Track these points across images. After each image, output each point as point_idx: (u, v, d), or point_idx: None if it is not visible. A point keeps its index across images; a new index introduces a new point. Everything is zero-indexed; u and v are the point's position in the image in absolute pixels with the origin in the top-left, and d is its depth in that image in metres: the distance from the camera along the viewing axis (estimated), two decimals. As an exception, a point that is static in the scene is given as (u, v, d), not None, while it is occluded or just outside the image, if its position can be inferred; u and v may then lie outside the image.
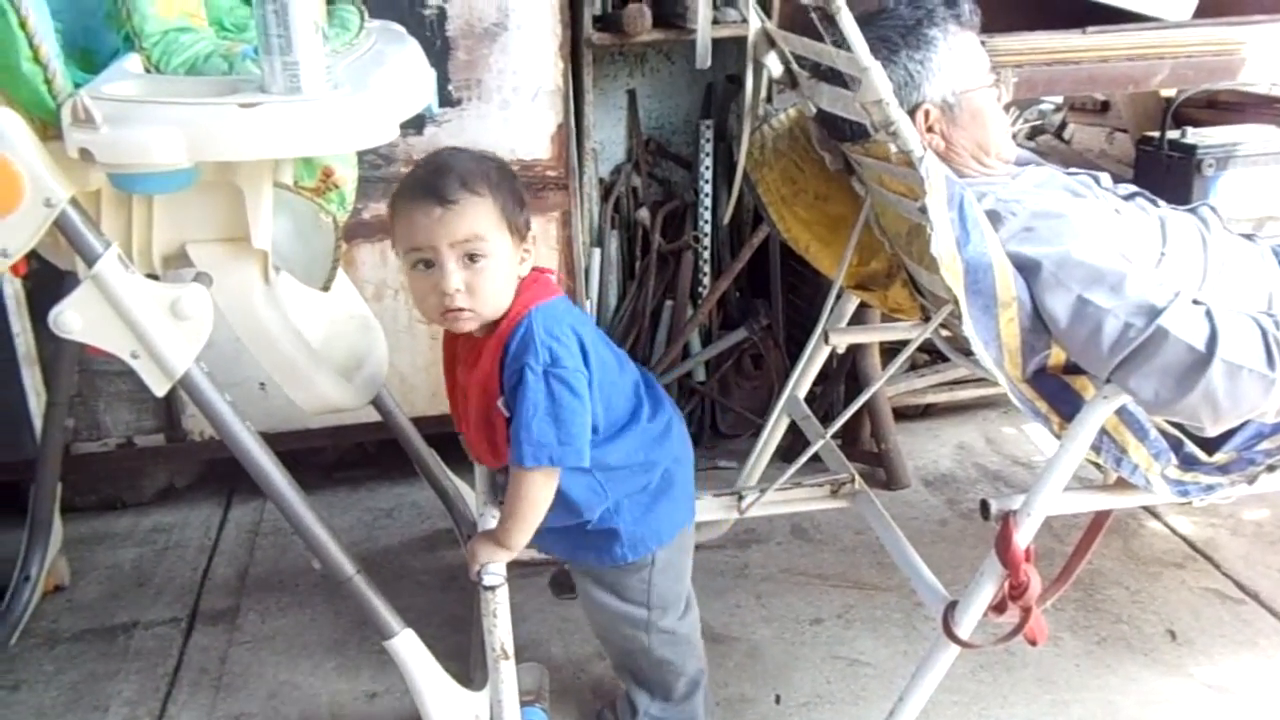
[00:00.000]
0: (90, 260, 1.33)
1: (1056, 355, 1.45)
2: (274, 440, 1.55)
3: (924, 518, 2.37)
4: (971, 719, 1.77)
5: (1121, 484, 1.52)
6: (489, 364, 1.41)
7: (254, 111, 1.25)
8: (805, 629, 2.01)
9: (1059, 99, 2.94)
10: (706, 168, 2.66)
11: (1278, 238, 1.70)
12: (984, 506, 1.49)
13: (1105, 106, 2.80)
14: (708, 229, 2.67)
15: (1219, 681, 1.85)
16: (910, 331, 1.85)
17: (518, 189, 1.43)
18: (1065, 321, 1.39)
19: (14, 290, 2.08)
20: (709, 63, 1.92)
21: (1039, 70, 1.96)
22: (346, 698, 1.86)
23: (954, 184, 1.40)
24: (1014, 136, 1.83)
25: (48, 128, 1.29)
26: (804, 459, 1.75)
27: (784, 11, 2.16)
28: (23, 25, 1.23)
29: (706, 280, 2.69)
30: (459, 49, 2.19)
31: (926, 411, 2.79)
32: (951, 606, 1.54)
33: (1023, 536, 1.45)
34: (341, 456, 2.63)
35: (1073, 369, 1.46)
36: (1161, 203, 1.65)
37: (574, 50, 2.34)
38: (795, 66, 1.66)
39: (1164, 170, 2.31)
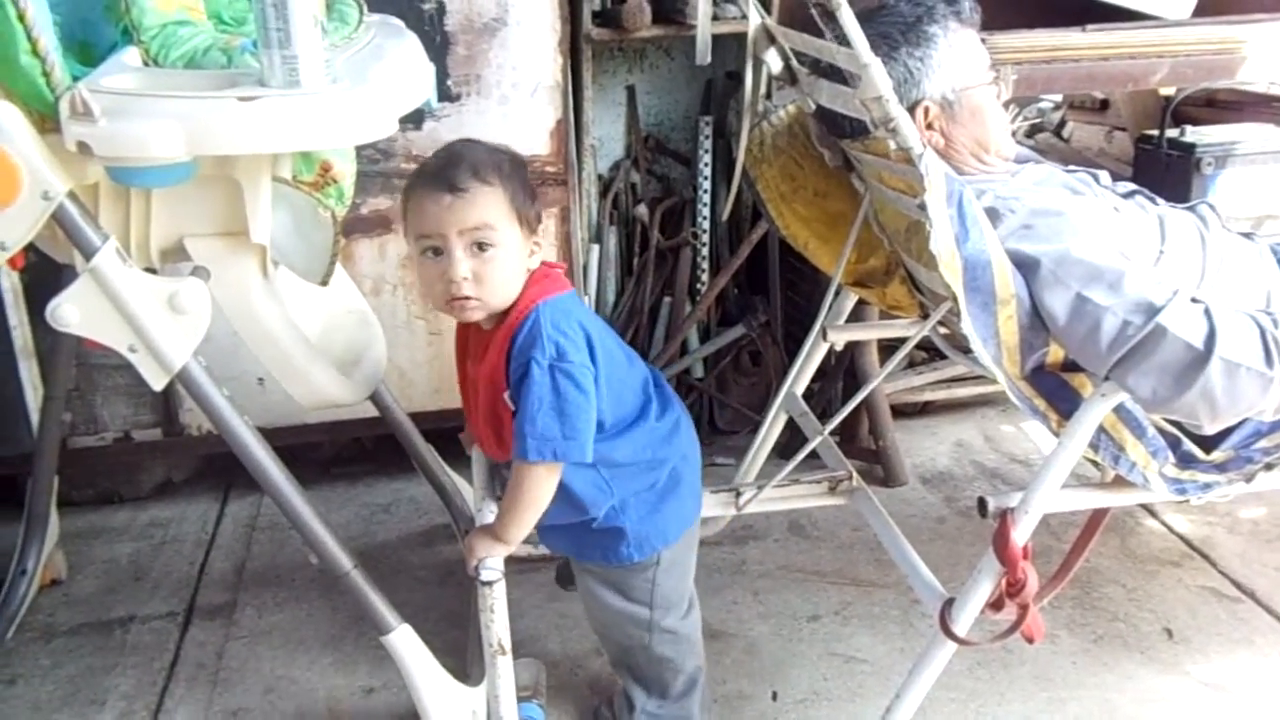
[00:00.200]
0: (88, 254, 1.33)
1: (1055, 353, 1.45)
2: (271, 435, 1.55)
3: (922, 515, 2.37)
4: (968, 716, 1.78)
5: (1119, 482, 1.52)
6: (496, 357, 1.41)
7: (253, 105, 1.25)
8: (802, 626, 2.01)
9: (1058, 97, 2.93)
10: (705, 164, 2.65)
11: (1276, 236, 1.70)
12: (981, 504, 1.49)
13: (1104, 105, 2.80)
14: (706, 225, 2.67)
15: (1215, 679, 1.85)
16: (908, 329, 1.84)
17: (529, 181, 1.44)
18: (1064, 319, 1.39)
19: (11, 284, 2.08)
20: (709, 59, 1.91)
21: (1038, 68, 1.96)
22: (343, 693, 1.86)
23: (953, 181, 1.40)
24: (1013, 134, 1.83)
25: (46, 120, 1.29)
26: (802, 456, 1.75)
27: (784, 7, 2.15)
28: (21, 18, 1.23)
29: (705, 277, 2.68)
30: (458, 44, 2.18)
31: (924, 409, 2.80)
32: (949, 604, 1.54)
33: (1020, 534, 1.45)
34: (339, 452, 2.63)
35: (1071, 366, 1.46)
36: (1160, 201, 1.65)
37: (573, 46, 2.34)
38: (795, 63, 1.66)
39: (1163, 169, 2.31)
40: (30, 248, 1.37)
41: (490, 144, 1.45)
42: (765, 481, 1.90)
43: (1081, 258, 1.39)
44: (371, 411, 1.95)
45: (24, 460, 2.08)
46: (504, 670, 1.48)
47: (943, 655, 1.56)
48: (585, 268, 2.57)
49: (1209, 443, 1.50)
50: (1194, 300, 1.36)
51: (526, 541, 1.49)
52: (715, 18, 2.26)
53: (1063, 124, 2.95)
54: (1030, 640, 1.49)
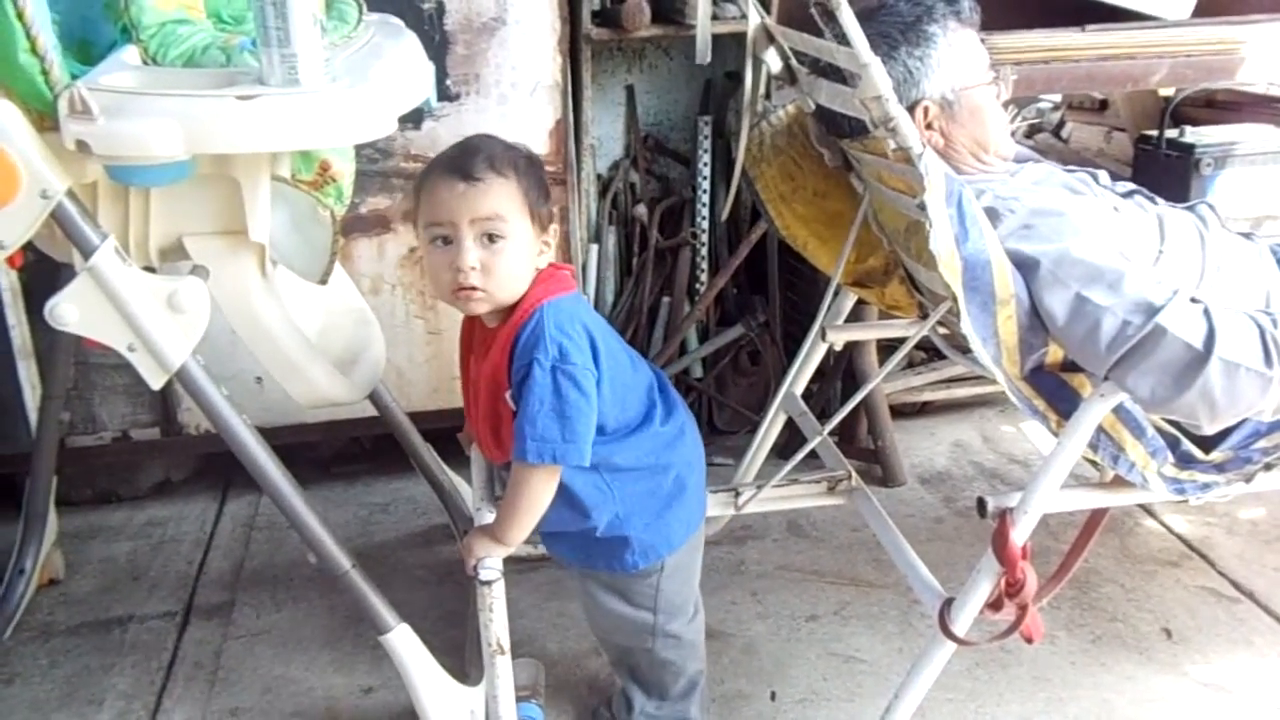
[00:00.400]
0: (87, 252, 1.33)
1: (1054, 353, 1.45)
2: (270, 434, 1.55)
3: (920, 515, 2.37)
4: (967, 716, 1.78)
5: (1118, 482, 1.52)
6: (498, 355, 1.41)
7: (252, 104, 1.25)
8: (801, 625, 2.01)
9: (1057, 97, 2.93)
10: (705, 164, 2.65)
11: (1275, 237, 1.70)
12: (980, 504, 1.49)
13: (1104, 105, 2.80)
14: (705, 225, 2.67)
15: (1214, 680, 1.85)
16: (908, 329, 1.85)
17: (544, 180, 1.43)
18: (1063, 319, 1.39)
19: (10, 282, 2.08)
20: (708, 58, 1.91)
21: (1038, 68, 1.95)
22: (341, 692, 1.86)
23: (953, 181, 1.40)
24: (1012, 134, 1.83)
25: (44, 119, 1.29)
26: (800, 455, 1.75)
27: (783, 7, 2.14)
28: (20, 16, 1.23)
29: (704, 277, 2.68)
30: (457, 43, 2.18)
31: (923, 409, 2.80)
32: (948, 604, 1.54)
33: (1019, 534, 1.45)
34: (338, 451, 2.63)
35: (1070, 366, 1.46)
36: (1160, 200, 1.65)
37: (573, 45, 2.34)
38: (794, 62, 1.66)
39: (1162, 169, 2.31)
40: (29, 246, 1.37)
41: (507, 140, 1.45)
42: (764, 481, 1.90)
43: (1081, 258, 1.39)
44: (370, 411, 1.95)
45: (22, 459, 2.08)
46: (502, 670, 1.48)
47: (941, 655, 1.56)
48: (584, 267, 2.57)
49: (1208, 443, 1.50)
50: (1193, 300, 1.36)
51: (525, 541, 1.48)
52: (715, 17, 2.26)
53: (1062, 124, 2.95)
54: (1029, 640, 1.49)
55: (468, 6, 2.16)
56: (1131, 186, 1.68)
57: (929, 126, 1.56)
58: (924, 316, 1.65)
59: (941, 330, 1.65)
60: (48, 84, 1.26)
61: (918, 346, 1.81)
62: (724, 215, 2.22)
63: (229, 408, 1.45)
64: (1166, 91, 2.41)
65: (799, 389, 2.06)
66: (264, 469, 1.49)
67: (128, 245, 1.45)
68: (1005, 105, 1.68)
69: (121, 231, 1.45)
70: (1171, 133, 2.33)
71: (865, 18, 1.39)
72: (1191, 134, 2.32)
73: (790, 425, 2.12)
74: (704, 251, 2.68)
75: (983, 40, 1.61)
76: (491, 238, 1.37)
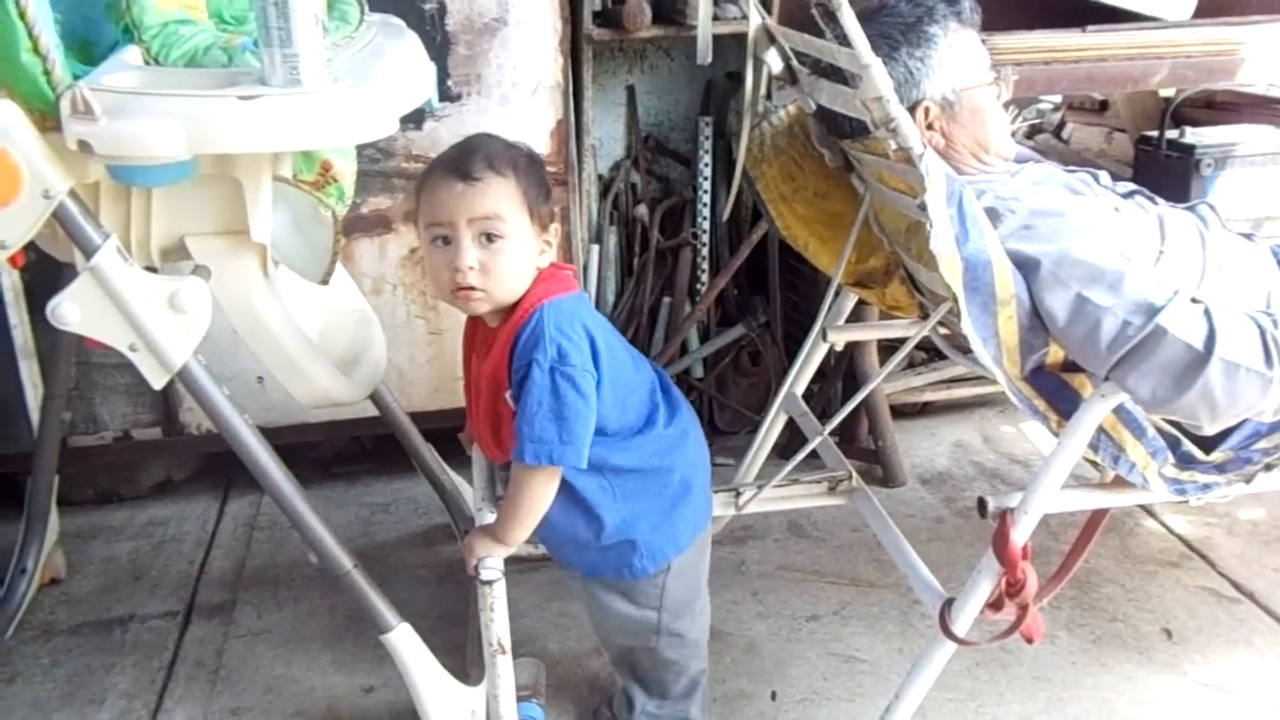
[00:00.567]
0: (89, 252, 1.33)
1: (1055, 353, 1.45)
2: (271, 434, 1.55)
3: (921, 515, 2.37)
4: (967, 716, 1.78)
5: (1118, 482, 1.53)
6: (499, 355, 1.41)
7: (254, 104, 1.25)
8: (802, 625, 2.01)
9: (1058, 98, 2.93)
10: (705, 164, 2.66)
11: (1276, 237, 1.70)
12: (981, 504, 1.50)
13: (1104, 106, 2.80)
14: (706, 226, 2.67)
15: (1214, 680, 1.85)
16: (908, 329, 1.85)
17: (545, 179, 1.43)
18: (1064, 319, 1.39)
19: (12, 282, 2.08)
20: (709, 59, 1.91)
21: (1038, 69, 1.95)
22: (342, 692, 1.86)
23: (953, 181, 1.40)
24: (1013, 135, 1.83)
25: (46, 119, 1.29)
26: (801, 456, 1.75)
27: (784, 8, 2.15)
28: (22, 16, 1.23)
29: (705, 277, 2.69)
30: (459, 44, 2.18)
31: (924, 409, 2.80)
32: (948, 604, 1.54)
33: (1020, 534, 1.45)
34: (339, 451, 2.63)
35: (1071, 367, 1.46)
36: (1160, 201, 1.65)
37: (574, 46, 2.34)
38: (795, 63, 1.66)
39: (1162, 170, 2.31)
40: (31, 246, 1.37)
41: (509, 140, 1.45)
42: (765, 481, 1.90)
43: (1082, 258, 1.39)
44: (371, 411, 1.95)
45: (24, 459, 2.08)
46: (503, 669, 1.48)
47: (942, 655, 1.56)
48: (585, 268, 2.57)
49: (1208, 443, 1.50)
50: (1194, 301, 1.36)
51: (526, 541, 1.49)
52: (715, 18, 2.26)
53: (1062, 125, 2.95)
54: (1029, 640, 1.49)
55: (469, 7, 2.16)
56: (1132, 187, 1.68)
57: (930, 127, 1.56)
58: (925, 317, 1.65)
59: (942, 330, 1.65)
60: (50, 84, 1.26)
61: (918, 347, 1.81)
62: (725, 216, 2.22)
63: (230, 407, 1.45)
64: (1167, 92, 2.41)
65: (800, 389, 2.06)
66: (265, 469, 1.49)
67: (129, 245, 1.45)
68: (1006, 106, 1.68)
69: (123, 231, 1.45)
70: (1172, 133, 2.34)
71: (866, 18, 1.39)
72: (1192, 135, 2.32)
73: (791, 425, 2.12)
74: (705, 252, 2.68)
75: (983, 41, 1.61)
76: (490, 237, 1.37)
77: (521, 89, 2.24)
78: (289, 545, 2.27)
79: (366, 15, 1.61)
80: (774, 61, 1.67)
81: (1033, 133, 3.00)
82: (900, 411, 2.68)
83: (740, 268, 2.64)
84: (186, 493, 2.52)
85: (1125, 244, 1.46)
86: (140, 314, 1.36)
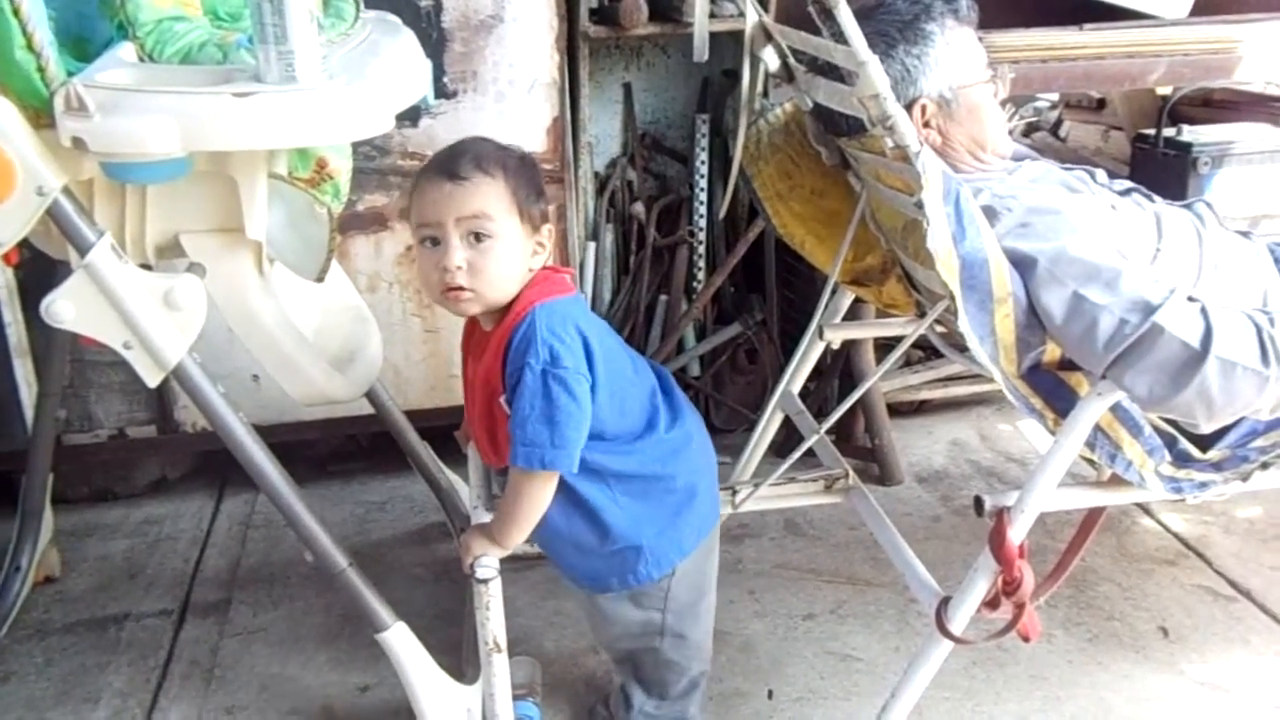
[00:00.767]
0: (83, 250, 1.33)
1: (1052, 351, 1.45)
2: (266, 432, 1.55)
3: (917, 514, 2.37)
4: (964, 715, 1.78)
5: (1115, 480, 1.53)
6: (492, 358, 1.40)
7: (248, 101, 1.25)
8: (798, 624, 2.01)
9: (1055, 96, 2.94)
10: (702, 162, 2.65)
11: (1273, 235, 1.70)
12: (978, 502, 1.49)
13: (1101, 104, 2.80)
14: (703, 224, 2.67)
15: (1211, 679, 1.85)
16: (905, 327, 1.85)
17: (537, 180, 1.43)
18: (1060, 317, 1.39)
19: (6, 280, 2.07)
20: (706, 56, 1.92)
21: (1035, 67, 1.96)
22: (338, 690, 1.86)
23: (950, 179, 1.40)
24: (1010, 133, 1.83)
25: (41, 116, 1.28)
26: (798, 454, 1.75)
27: (781, 5, 2.15)
28: (16, 13, 1.22)
29: (701, 275, 2.68)
30: (455, 41, 2.18)
31: (921, 407, 2.80)
32: (945, 602, 1.54)
33: (1016, 533, 1.45)
34: (334, 449, 2.63)
35: (1068, 365, 1.46)
36: (1157, 198, 1.65)
37: (570, 43, 2.34)
38: (792, 61, 1.66)
39: (1159, 168, 2.31)
40: (25, 244, 1.36)
41: (502, 143, 1.44)
42: (761, 480, 1.90)
43: (1078, 256, 1.39)
44: (367, 409, 1.95)
45: (18, 457, 2.08)
46: (499, 668, 1.48)
47: (939, 654, 1.56)
48: (582, 265, 2.57)
49: (1205, 441, 1.50)
50: (1190, 299, 1.36)
51: (526, 542, 1.48)
52: (712, 15, 2.26)
53: (1059, 123, 2.95)
54: (1026, 639, 1.49)
55: (465, 4, 2.16)
56: (1129, 185, 1.68)
57: (926, 125, 1.56)
58: (921, 315, 1.65)
59: (939, 329, 1.65)
60: (44, 81, 1.26)
61: (915, 345, 1.81)
62: (721, 213, 2.22)
63: (225, 405, 1.45)
64: (1164, 90, 2.41)
65: (796, 387, 2.06)
66: (260, 467, 1.49)
67: (124, 242, 1.45)
68: (1003, 104, 1.68)
69: (118, 229, 1.45)
70: (1169, 131, 2.34)
71: (863, 16, 1.39)
72: (1189, 133, 2.32)
73: (787, 424, 2.12)
74: (701, 250, 2.68)
75: (980, 39, 1.61)
76: (479, 237, 1.36)
77: (518, 86, 2.24)
78: (284, 544, 2.27)
79: (362, 12, 1.60)
80: (771, 59, 1.66)
81: (1030, 131, 3.01)
82: (897, 410, 2.68)
83: (737, 266, 2.64)
84: (181, 491, 2.52)
85: (1122, 242, 1.46)
86: (135, 311, 1.35)
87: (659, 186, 2.74)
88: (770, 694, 1.83)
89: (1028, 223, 1.45)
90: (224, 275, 1.50)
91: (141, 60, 1.40)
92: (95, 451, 2.33)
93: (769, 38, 1.66)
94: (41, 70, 1.26)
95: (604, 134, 2.69)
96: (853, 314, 2.09)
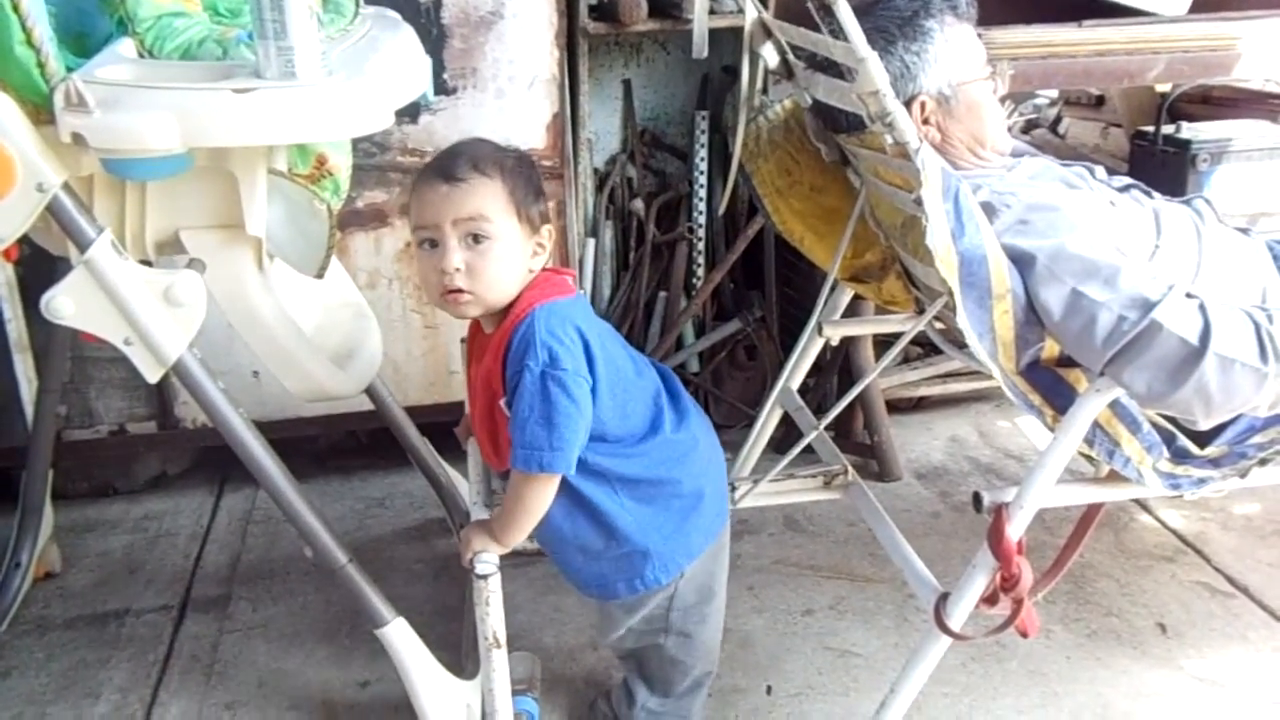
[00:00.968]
0: (83, 246, 1.33)
1: (1050, 348, 1.45)
2: (266, 428, 1.55)
3: (916, 510, 2.38)
4: (962, 710, 1.78)
5: (1113, 477, 1.53)
6: (492, 360, 1.40)
7: (248, 97, 1.25)
8: (797, 620, 2.01)
9: (1054, 93, 2.94)
10: (701, 159, 2.65)
11: (1272, 233, 1.70)
12: (976, 499, 1.50)
13: (1100, 101, 2.80)
14: (702, 220, 2.67)
15: (1209, 674, 1.86)
16: (904, 324, 1.85)
17: (536, 181, 1.42)
18: (1059, 314, 1.39)
19: (6, 276, 2.07)
20: (705, 53, 1.91)
21: (1034, 63, 1.96)
22: (338, 685, 1.86)
23: (950, 176, 1.40)
24: (1009, 130, 1.84)
25: (40, 112, 1.28)
26: (797, 450, 1.75)
27: (780, 2, 2.15)
28: (16, 8, 1.22)
29: (701, 271, 2.68)
30: (454, 37, 2.18)
31: (919, 404, 2.80)
32: (943, 598, 1.54)
33: (1015, 529, 1.45)
34: (334, 445, 2.63)
35: (1066, 362, 1.46)
36: (1156, 195, 1.65)
37: (570, 39, 2.34)
38: (791, 57, 1.66)
39: (1158, 165, 2.31)
40: (25, 240, 1.37)
41: (500, 144, 1.44)
42: (760, 476, 1.91)
43: (1077, 253, 1.39)
44: (367, 405, 1.95)
45: (19, 453, 2.08)
46: (499, 664, 1.48)
47: (937, 649, 1.56)
48: (581, 262, 2.57)
49: (1203, 438, 1.50)
50: (1189, 296, 1.36)
51: (529, 539, 1.48)
52: (712, 12, 2.26)
53: (1058, 120, 2.95)
54: (1024, 635, 1.49)
55: (465, 0, 2.16)
56: (1128, 181, 1.68)
57: (926, 121, 1.56)
58: (920, 312, 1.65)
59: (938, 325, 1.65)
60: (43, 76, 1.26)
61: (914, 342, 1.81)
62: (721, 210, 2.22)
63: (226, 401, 1.45)
64: (1163, 87, 2.42)
65: (795, 384, 2.06)
66: (260, 463, 1.49)
67: (124, 239, 1.45)
68: (1002, 101, 1.68)
69: (118, 225, 1.45)
70: (1168, 128, 2.34)
71: (862, 12, 1.39)
72: (1188, 130, 2.32)
73: (786, 420, 2.12)
74: (701, 246, 2.68)
75: (980, 35, 1.61)
76: (477, 238, 1.36)
77: (517, 82, 2.24)
78: (284, 539, 2.27)
79: (362, 8, 1.60)
80: (770, 55, 1.66)
81: (1029, 128, 3.01)
82: (896, 406, 2.68)
83: (736, 262, 2.64)
84: (181, 487, 2.52)
85: (1121, 238, 1.46)
86: (135, 308, 1.35)
87: (658, 183, 2.74)
88: (769, 689, 1.83)
89: (1027, 219, 1.45)
90: (224, 271, 1.50)
91: (141, 56, 1.40)
92: (95, 447, 2.33)
93: (768, 34, 1.66)
94: (41, 66, 1.26)
95: (603, 130, 2.69)
96: (852, 311, 2.09)
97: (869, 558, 2.18)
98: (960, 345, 1.48)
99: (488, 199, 1.35)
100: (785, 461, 1.77)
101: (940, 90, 1.55)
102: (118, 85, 1.27)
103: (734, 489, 1.91)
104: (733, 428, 2.70)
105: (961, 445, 2.66)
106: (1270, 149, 2.32)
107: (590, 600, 1.57)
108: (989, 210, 1.45)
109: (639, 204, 2.64)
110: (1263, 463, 1.50)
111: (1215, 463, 1.51)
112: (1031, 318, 1.42)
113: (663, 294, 2.67)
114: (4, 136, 1.25)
